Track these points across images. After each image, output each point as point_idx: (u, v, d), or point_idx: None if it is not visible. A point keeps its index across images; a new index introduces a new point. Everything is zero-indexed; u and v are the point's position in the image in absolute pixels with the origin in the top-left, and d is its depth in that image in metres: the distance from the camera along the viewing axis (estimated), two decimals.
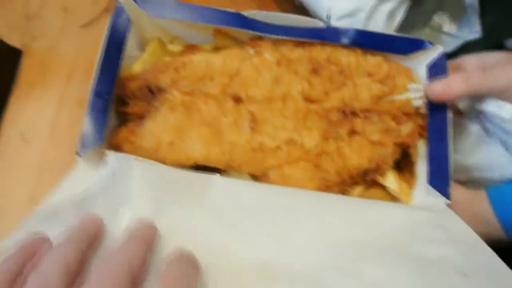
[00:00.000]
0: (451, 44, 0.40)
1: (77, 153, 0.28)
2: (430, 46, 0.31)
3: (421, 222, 0.27)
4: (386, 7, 0.37)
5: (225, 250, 0.25)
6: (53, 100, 0.39)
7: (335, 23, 0.38)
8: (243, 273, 0.24)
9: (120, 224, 0.24)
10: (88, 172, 0.28)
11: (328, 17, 0.38)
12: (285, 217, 0.27)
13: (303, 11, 0.41)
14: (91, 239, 0.21)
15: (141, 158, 0.29)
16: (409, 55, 0.32)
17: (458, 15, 0.41)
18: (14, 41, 0.41)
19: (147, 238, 0.21)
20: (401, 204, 0.31)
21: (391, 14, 0.38)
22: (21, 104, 0.39)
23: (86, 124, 0.29)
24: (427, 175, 0.29)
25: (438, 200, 0.29)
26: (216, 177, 0.28)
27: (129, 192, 0.25)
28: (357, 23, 0.38)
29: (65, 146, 0.38)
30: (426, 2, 0.42)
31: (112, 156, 0.27)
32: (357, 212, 0.27)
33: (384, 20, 0.38)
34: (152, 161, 0.29)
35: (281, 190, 0.29)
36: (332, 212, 0.27)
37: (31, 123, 0.39)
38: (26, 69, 0.40)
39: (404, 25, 0.40)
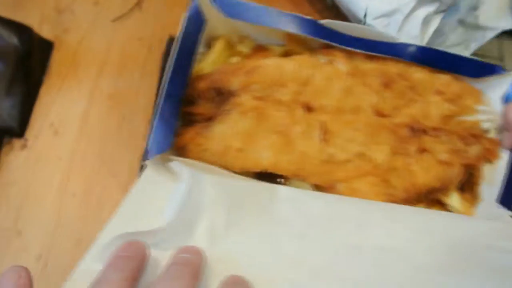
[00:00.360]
0: (487, 37, 0.40)
1: (145, 159, 0.26)
2: (502, 71, 0.32)
3: (488, 232, 0.27)
4: (423, 12, 0.38)
5: (296, 259, 0.25)
6: (84, 93, 0.39)
7: (371, 22, 0.38)
8: (315, 283, 0.24)
9: (196, 237, 0.24)
10: (155, 179, 0.26)
11: (365, 16, 0.38)
12: (354, 226, 0.27)
13: (335, 10, 0.41)
14: (138, 265, 0.21)
15: (208, 165, 0.28)
16: (479, 79, 0.32)
17: (495, 9, 0.40)
18: (45, 33, 0.40)
19: (195, 266, 0.21)
20: (465, 216, 0.31)
21: (427, 20, 0.38)
22: (52, 95, 0.38)
23: (155, 129, 0.27)
24: (500, 195, 0.30)
25: (502, 213, 0.30)
26: (281, 187, 0.28)
27: (202, 203, 0.25)
28: (393, 24, 0.38)
29: (95, 138, 0.37)
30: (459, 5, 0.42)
31: (185, 171, 0.26)
32: (425, 223, 0.27)
33: (419, 24, 0.38)
34: (219, 169, 0.29)
35: (348, 200, 0.29)
36: (401, 222, 0.27)
37: (61, 115, 0.38)
38: (57, 61, 0.39)
39: (436, 29, 0.40)
